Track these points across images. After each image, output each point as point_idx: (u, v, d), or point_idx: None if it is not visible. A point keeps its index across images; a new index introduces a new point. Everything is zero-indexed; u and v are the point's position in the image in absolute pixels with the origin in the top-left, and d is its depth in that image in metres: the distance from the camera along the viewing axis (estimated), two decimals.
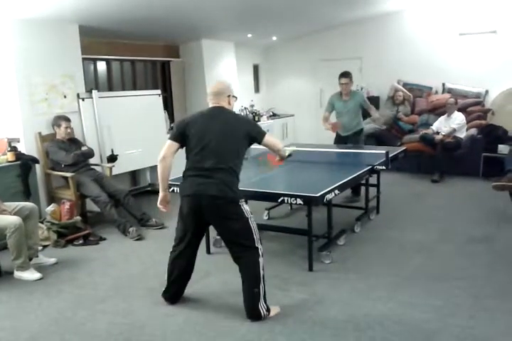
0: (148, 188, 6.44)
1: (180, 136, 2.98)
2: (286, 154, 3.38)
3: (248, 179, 4.20)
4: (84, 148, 5.04)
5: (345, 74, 5.63)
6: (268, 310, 2.96)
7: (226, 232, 2.97)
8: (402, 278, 3.51)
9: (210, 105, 3.08)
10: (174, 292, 3.17)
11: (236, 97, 3.14)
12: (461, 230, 4.55)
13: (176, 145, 3.00)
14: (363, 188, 5.11)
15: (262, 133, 3.03)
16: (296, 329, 2.85)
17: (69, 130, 4.99)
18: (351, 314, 3.00)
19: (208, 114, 3.03)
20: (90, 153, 5.09)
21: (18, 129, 4.93)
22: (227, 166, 2.88)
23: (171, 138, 3.02)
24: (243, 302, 2.95)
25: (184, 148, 3.02)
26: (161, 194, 3.12)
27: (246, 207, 2.95)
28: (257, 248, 2.93)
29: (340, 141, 5.89)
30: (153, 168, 6.35)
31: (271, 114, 9.34)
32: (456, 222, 4.78)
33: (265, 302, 2.95)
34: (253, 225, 2.95)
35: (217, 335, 2.80)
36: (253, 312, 2.92)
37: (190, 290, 3.27)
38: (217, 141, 2.89)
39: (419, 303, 3.11)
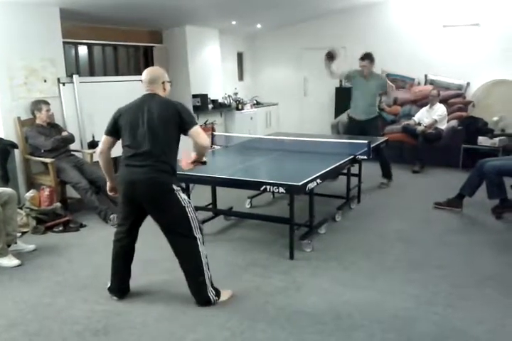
0: None
1: (113, 128, 2.97)
2: (204, 160, 3.17)
3: (230, 167, 4.19)
4: (64, 134, 4.96)
5: (364, 57, 5.68)
6: (217, 294, 2.99)
7: (161, 220, 2.93)
8: (381, 267, 3.56)
9: (145, 92, 3.02)
10: (119, 283, 3.12)
11: (170, 82, 3.07)
12: (440, 220, 4.61)
13: (110, 139, 3.00)
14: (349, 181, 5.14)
15: (192, 123, 2.90)
16: (276, 316, 2.87)
17: (50, 113, 4.92)
18: (331, 302, 3.03)
19: (138, 102, 2.98)
20: (70, 139, 5.02)
21: None
22: (159, 153, 2.84)
23: (105, 133, 3.01)
24: (189, 290, 2.97)
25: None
26: (108, 184, 3.20)
27: (183, 196, 2.90)
28: (196, 237, 2.90)
29: (354, 127, 5.84)
30: None
31: (254, 102, 9.30)
32: (436, 212, 4.85)
33: (213, 287, 2.97)
34: (191, 214, 2.90)
35: (197, 323, 2.81)
36: (202, 299, 2.96)
37: (167, 278, 3.26)
38: (147, 128, 2.84)
39: (398, 291, 3.16)
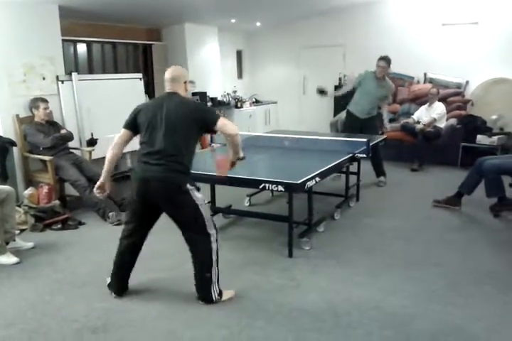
0: (128, 173, 6.37)
1: (132, 123, 2.97)
2: (241, 155, 3.13)
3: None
4: (63, 131, 4.96)
5: (384, 58, 5.70)
6: (220, 294, 2.99)
7: (175, 218, 2.93)
8: (380, 265, 3.56)
9: (166, 90, 3.01)
10: (118, 280, 3.11)
11: (193, 82, 3.09)
12: (439, 218, 4.62)
13: (128, 133, 3.00)
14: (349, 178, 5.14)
15: (216, 119, 2.86)
16: (275, 314, 2.87)
17: (48, 111, 4.91)
18: (330, 300, 3.04)
19: (159, 100, 3.00)
20: (69, 137, 5.01)
21: None
22: (175, 153, 2.82)
23: (123, 127, 3.02)
24: (194, 286, 2.97)
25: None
26: (100, 179, 3.11)
27: (197, 194, 2.88)
28: (209, 234, 2.90)
29: (353, 123, 5.87)
30: (134, 153, 6.33)
31: (254, 100, 9.30)
32: (434, 210, 4.85)
33: (218, 287, 2.98)
34: (204, 212, 2.89)
35: (196, 321, 2.81)
36: (204, 296, 2.96)
37: (168, 275, 3.27)
38: (165, 127, 2.82)
39: (396, 289, 3.17)
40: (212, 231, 2.92)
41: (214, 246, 2.92)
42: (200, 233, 2.90)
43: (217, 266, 2.95)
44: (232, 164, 3.17)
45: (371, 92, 5.69)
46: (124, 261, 3.08)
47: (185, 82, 3.00)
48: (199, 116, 2.87)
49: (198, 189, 2.97)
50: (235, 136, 2.92)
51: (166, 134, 2.81)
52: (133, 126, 2.97)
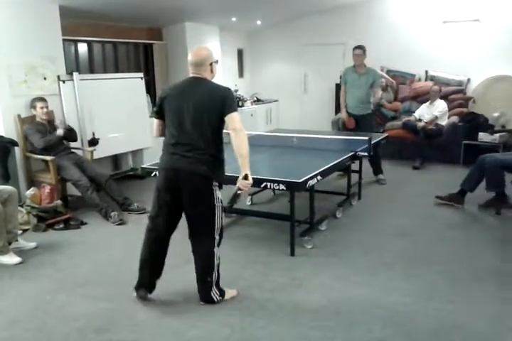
0: (130, 172, 6.39)
1: (159, 111, 2.90)
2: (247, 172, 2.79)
3: (231, 164, 4.18)
4: (58, 132, 4.86)
5: (359, 46, 5.73)
6: (221, 294, 2.98)
7: (191, 214, 2.86)
8: (382, 263, 3.56)
9: (190, 75, 2.87)
10: (145, 279, 3.02)
11: (217, 60, 2.91)
12: (440, 216, 4.62)
13: (160, 121, 2.94)
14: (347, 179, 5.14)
15: (232, 108, 2.74)
16: (277, 313, 2.88)
17: (45, 110, 4.87)
18: (332, 298, 3.04)
19: (185, 87, 2.84)
20: (65, 137, 4.93)
21: None
22: (203, 145, 2.75)
23: (153, 116, 2.98)
24: (197, 286, 2.96)
25: None
26: None
27: (218, 194, 2.84)
28: (214, 238, 2.88)
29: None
30: (135, 152, 6.36)
31: (255, 99, 9.29)
32: (436, 208, 4.85)
33: (218, 288, 2.96)
34: (219, 214, 2.85)
35: (198, 319, 2.82)
36: (206, 298, 2.96)
37: (171, 275, 3.27)
38: (192, 117, 2.73)
39: (398, 287, 3.17)
40: (217, 237, 2.90)
41: (216, 250, 2.91)
42: (206, 235, 2.87)
43: (218, 270, 2.94)
44: (245, 177, 2.79)
45: (356, 84, 5.74)
46: (150, 256, 2.98)
47: (211, 64, 2.83)
48: (222, 101, 2.73)
49: (221, 186, 2.91)
50: (239, 131, 2.72)
51: (194, 126, 2.73)
52: (161, 114, 2.89)
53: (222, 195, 2.89)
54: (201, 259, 2.92)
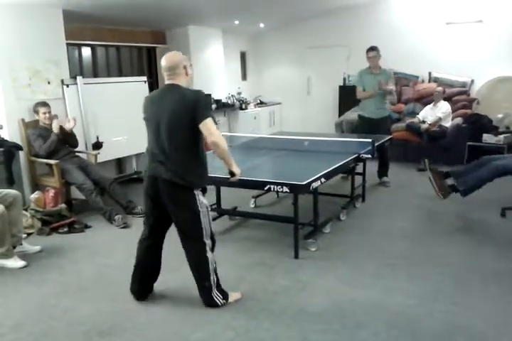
0: (134, 176, 6.40)
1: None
2: (234, 169, 2.96)
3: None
4: (52, 137, 4.76)
5: (373, 48, 5.67)
6: (225, 297, 2.97)
7: (176, 220, 2.88)
8: (386, 265, 3.55)
9: (166, 82, 2.85)
10: (137, 282, 3.08)
11: (191, 64, 2.91)
12: (445, 218, 4.60)
13: None
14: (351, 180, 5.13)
15: (203, 115, 2.68)
16: (281, 315, 2.87)
17: (47, 115, 4.88)
18: (336, 300, 3.03)
19: (160, 95, 2.83)
20: (58, 135, 4.82)
21: (1, 116, 4.85)
22: (179, 152, 2.75)
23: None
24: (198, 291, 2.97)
25: None
26: None
27: (201, 199, 2.83)
28: (205, 242, 2.86)
29: (365, 127, 5.73)
30: (139, 156, 6.37)
31: (258, 101, 9.30)
32: (440, 210, 4.83)
33: (219, 291, 2.95)
34: (204, 219, 2.84)
35: (202, 322, 2.81)
36: (208, 302, 2.95)
37: (173, 277, 3.28)
38: (167, 125, 2.71)
39: (402, 289, 3.16)
40: (207, 241, 2.88)
41: (209, 255, 2.89)
42: (196, 240, 2.86)
43: (216, 273, 2.94)
44: (231, 174, 2.98)
45: (373, 86, 5.64)
46: (143, 263, 3.05)
47: (184, 67, 2.82)
48: (193, 107, 2.68)
49: (205, 190, 2.92)
50: (216, 145, 2.72)
51: (170, 134, 2.73)
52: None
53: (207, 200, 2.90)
54: (195, 265, 2.91)
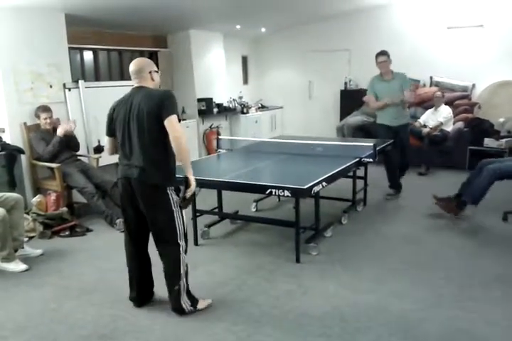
0: None
1: (110, 129, 2.96)
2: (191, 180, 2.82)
3: (236, 171, 4.19)
4: (54, 140, 4.79)
5: (382, 52, 5.31)
6: (193, 304, 2.94)
7: (150, 222, 2.87)
8: (388, 269, 3.54)
9: (134, 85, 2.90)
10: (133, 288, 3.07)
11: (158, 71, 2.95)
12: (446, 223, 4.59)
13: (111, 139, 2.99)
14: (350, 181, 5.12)
15: (168, 112, 2.69)
16: (282, 320, 2.86)
17: (49, 120, 4.89)
18: (337, 305, 3.02)
19: (127, 97, 2.87)
20: (62, 138, 4.84)
21: (3, 119, 4.87)
22: (150, 152, 2.76)
23: (106, 134, 3.01)
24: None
25: None
26: None
27: (175, 198, 2.83)
28: (179, 244, 2.84)
29: (388, 133, 5.41)
30: None
31: (259, 105, 9.32)
32: (442, 214, 4.81)
33: (189, 297, 2.92)
34: (178, 220, 2.83)
35: (203, 327, 2.81)
36: (176, 307, 2.92)
37: None
38: (136, 125, 2.75)
39: (404, 294, 3.15)
40: (181, 243, 2.86)
41: (183, 257, 2.86)
42: (170, 241, 2.84)
43: (187, 277, 2.91)
44: (183, 199, 2.85)
45: (389, 93, 5.29)
46: (134, 269, 3.05)
47: (150, 72, 2.88)
48: (159, 105, 2.71)
49: (179, 190, 2.89)
50: (179, 139, 2.70)
51: (139, 134, 2.75)
52: (112, 131, 2.95)
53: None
54: (167, 267, 2.89)
